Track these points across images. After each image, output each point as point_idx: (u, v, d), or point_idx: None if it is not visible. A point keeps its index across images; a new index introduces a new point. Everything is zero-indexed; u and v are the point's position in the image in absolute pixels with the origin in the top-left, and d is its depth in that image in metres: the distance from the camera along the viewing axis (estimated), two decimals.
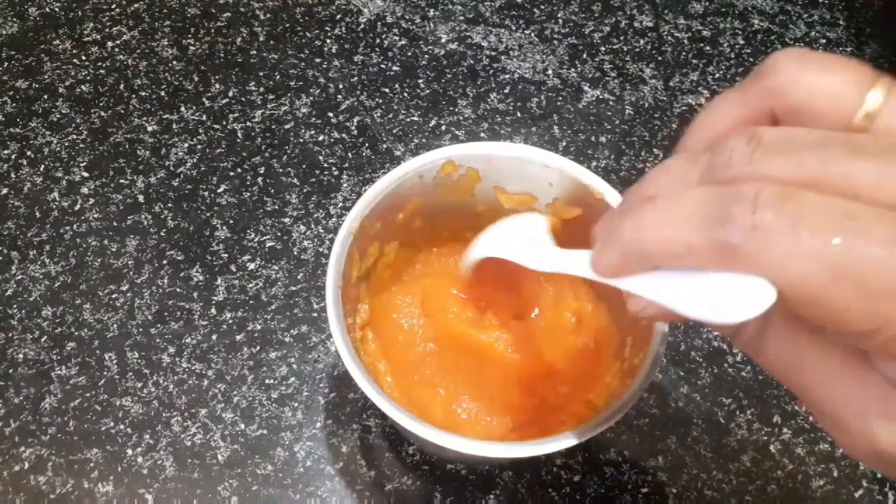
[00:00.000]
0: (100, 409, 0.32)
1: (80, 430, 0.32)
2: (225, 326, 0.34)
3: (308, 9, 0.43)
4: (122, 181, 0.38)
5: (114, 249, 0.36)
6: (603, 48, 0.43)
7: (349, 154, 0.39)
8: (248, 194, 0.38)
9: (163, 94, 0.40)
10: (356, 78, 0.41)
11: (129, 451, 0.31)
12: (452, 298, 0.31)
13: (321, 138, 0.39)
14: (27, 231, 0.36)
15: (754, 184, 0.11)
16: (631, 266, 0.13)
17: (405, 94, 0.41)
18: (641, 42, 0.43)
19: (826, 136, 0.12)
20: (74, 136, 0.39)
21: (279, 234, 0.37)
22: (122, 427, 0.32)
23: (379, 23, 0.43)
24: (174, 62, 0.41)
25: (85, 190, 0.38)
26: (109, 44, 0.42)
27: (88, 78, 0.41)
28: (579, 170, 0.27)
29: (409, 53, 0.42)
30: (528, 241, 0.23)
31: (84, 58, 0.42)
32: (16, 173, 0.38)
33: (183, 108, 0.40)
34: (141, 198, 0.37)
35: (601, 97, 0.41)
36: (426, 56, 0.42)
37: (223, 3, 0.44)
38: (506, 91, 0.41)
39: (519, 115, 0.41)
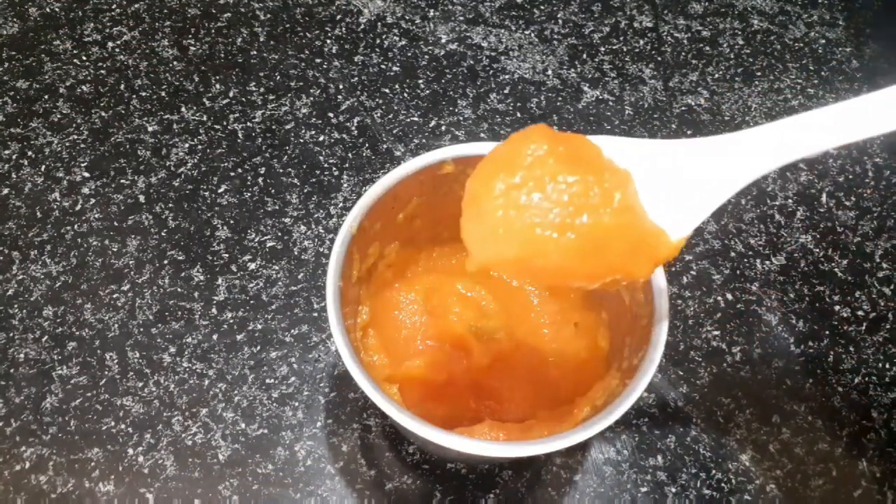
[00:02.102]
0: (101, 409, 0.32)
1: (80, 429, 0.32)
2: (226, 326, 0.34)
3: (308, 9, 0.44)
4: (122, 181, 0.38)
5: (115, 249, 0.36)
6: (602, 48, 0.43)
7: (349, 154, 0.39)
8: (249, 194, 0.38)
9: (163, 94, 0.41)
10: (356, 78, 0.41)
11: (130, 451, 0.31)
12: (456, 297, 0.31)
13: (321, 138, 0.39)
14: (28, 231, 0.36)
15: None
16: None
17: (405, 95, 0.41)
18: (641, 42, 0.43)
19: None
20: (75, 137, 0.39)
21: (279, 234, 0.37)
22: (122, 426, 0.32)
23: (379, 23, 0.43)
24: (175, 62, 0.42)
25: (86, 190, 0.38)
26: (110, 44, 0.42)
27: (89, 78, 0.41)
28: None
29: (410, 54, 0.42)
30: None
31: (84, 58, 0.42)
32: (17, 173, 0.38)
33: (183, 109, 0.40)
34: (142, 198, 0.37)
35: (601, 97, 0.42)
36: (426, 56, 0.42)
37: (223, 3, 0.44)
38: (506, 91, 0.41)
39: (519, 115, 0.41)
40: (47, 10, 0.43)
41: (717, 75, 0.42)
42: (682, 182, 0.19)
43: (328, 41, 0.43)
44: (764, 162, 0.19)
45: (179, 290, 0.35)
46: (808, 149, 0.18)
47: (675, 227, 0.20)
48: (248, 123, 0.40)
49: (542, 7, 0.44)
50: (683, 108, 0.41)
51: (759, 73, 0.43)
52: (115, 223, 0.37)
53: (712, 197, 0.19)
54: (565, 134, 0.21)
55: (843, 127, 0.18)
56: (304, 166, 0.39)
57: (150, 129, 0.39)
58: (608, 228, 0.19)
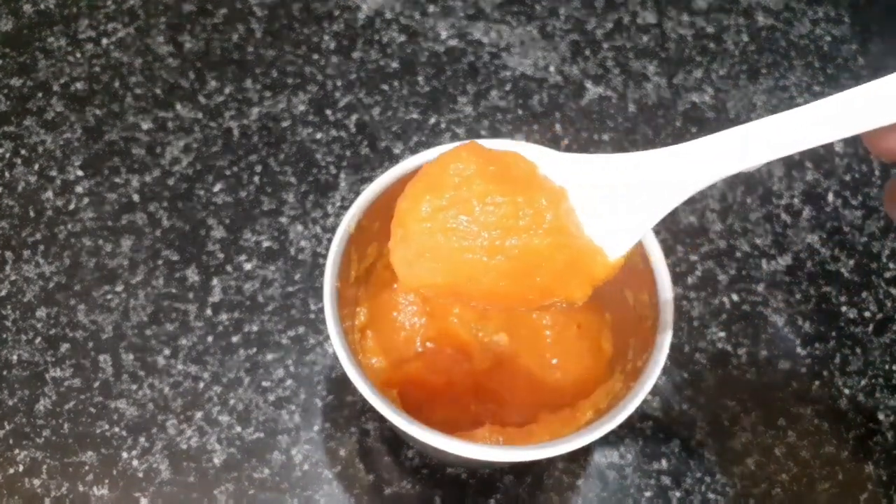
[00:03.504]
0: (94, 412, 0.32)
1: (74, 432, 0.31)
2: (221, 328, 0.34)
3: (305, 4, 0.43)
4: (116, 180, 0.37)
5: (108, 249, 0.35)
6: (605, 45, 0.42)
7: (347, 152, 0.39)
8: (245, 193, 0.37)
9: (158, 91, 0.40)
10: (354, 75, 0.41)
11: (125, 455, 0.31)
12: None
13: (319, 136, 0.39)
14: (21, 231, 0.36)
15: None
16: None
17: (404, 92, 0.40)
18: (644, 38, 0.43)
19: None
20: (69, 135, 0.39)
21: (276, 233, 0.36)
22: (116, 430, 0.31)
23: (378, 19, 0.43)
24: (170, 59, 0.41)
25: (79, 189, 0.37)
26: (104, 41, 0.41)
27: (83, 75, 0.40)
28: None
29: (409, 50, 0.42)
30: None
31: (79, 55, 0.41)
32: (10, 172, 0.38)
33: (178, 106, 0.39)
34: (136, 197, 0.37)
35: (604, 94, 0.41)
36: (426, 53, 0.42)
37: None
38: (507, 88, 0.41)
39: (520, 112, 0.40)
40: (42, 6, 0.43)
41: (721, 72, 0.42)
42: (620, 198, 0.19)
43: (326, 37, 0.42)
44: (700, 176, 0.18)
45: (174, 290, 0.34)
46: (744, 163, 0.18)
47: (614, 246, 0.19)
48: (244, 121, 0.39)
49: (544, 3, 0.44)
50: (688, 106, 0.41)
51: (764, 71, 0.42)
52: (109, 223, 0.36)
53: (649, 213, 0.19)
54: (497, 151, 0.20)
55: (782, 140, 0.17)
56: (301, 164, 0.38)
57: (144, 126, 0.39)
58: (539, 250, 0.18)
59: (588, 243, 0.19)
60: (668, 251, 0.35)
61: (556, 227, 0.18)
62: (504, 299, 0.19)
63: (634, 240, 0.19)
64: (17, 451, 0.31)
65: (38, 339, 0.33)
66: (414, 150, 0.39)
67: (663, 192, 0.18)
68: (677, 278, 0.36)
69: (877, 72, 0.47)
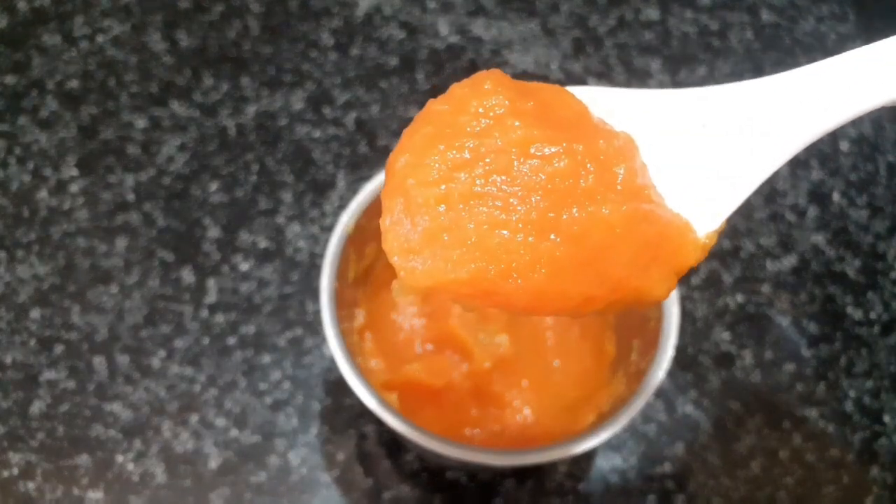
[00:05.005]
0: (89, 415, 0.31)
1: (69, 435, 0.31)
2: (217, 329, 0.33)
3: (303, 1, 0.42)
4: (111, 179, 0.37)
5: (103, 250, 0.35)
6: (608, 41, 0.42)
7: (345, 151, 0.38)
8: (241, 193, 0.37)
9: (153, 89, 0.39)
10: (353, 72, 0.40)
11: (120, 458, 0.30)
12: None
13: (316, 134, 0.38)
14: (15, 231, 0.36)
15: None
16: None
17: (404, 89, 0.40)
18: (648, 35, 0.42)
19: None
20: (63, 133, 0.38)
21: (273, 233, 0.36)
22: (111, 433, 0.31)
23: (376, 15, 0.42)
24: (165, 57, 0.40)
25: (74, 188, 0.37)
26: (99, 38, 0.41)
27: (78, 73, 0.40)
28: None
29: (408, 47, 0.41)
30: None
31: (74, 53, 0.40)
32: (3, 171, 0.37)
33: (174, 104, 0.39)
34: (131, 196, 0.36)
35: None
36: (425, 50, 0.41)
37: None
38: None
39: None
40: (36, 3, 0.42)
41: (726, 70, 0.41)
42: (707, 148, 0.13)
43: (323, 34, 0.41)
44: (841, 107, 0.12)
45: (169, 291, 0.34)
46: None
47: (704, 217, 0.13)
48: (241, 119, 0.39)
49: None
50: None
51: (768, 69, 0.42)
52: (104, 223, 0.36)
53: (757, 166, 0.13)
54: (531, 84, 0.14)
55: None
56: (299, 163, 0.38)
57: (139, 125, 0.38)
58: (612, 224, 0.13)
59: (672, 215, 0.13)
60: None
61: (632, 189, 0.13)
62: (556, 300, 0.13)
63: (733, 206, 0.13)
64: (11, 454, 0.30)
65: (32, 341, 0.33)
66: None
67: (781, 132, 0.12)
68: (681, 278, 0.35)
69: None
